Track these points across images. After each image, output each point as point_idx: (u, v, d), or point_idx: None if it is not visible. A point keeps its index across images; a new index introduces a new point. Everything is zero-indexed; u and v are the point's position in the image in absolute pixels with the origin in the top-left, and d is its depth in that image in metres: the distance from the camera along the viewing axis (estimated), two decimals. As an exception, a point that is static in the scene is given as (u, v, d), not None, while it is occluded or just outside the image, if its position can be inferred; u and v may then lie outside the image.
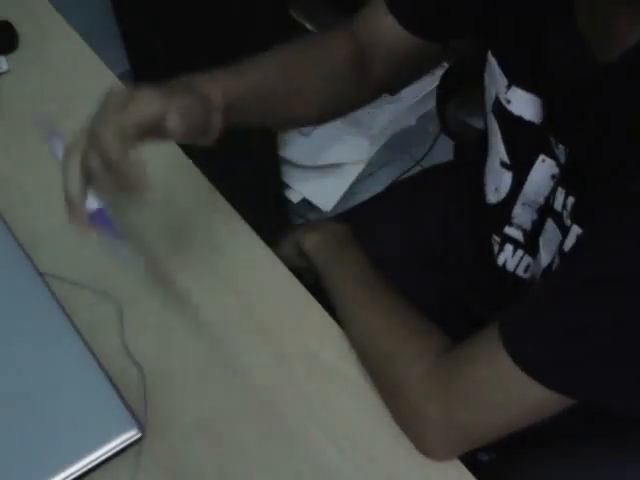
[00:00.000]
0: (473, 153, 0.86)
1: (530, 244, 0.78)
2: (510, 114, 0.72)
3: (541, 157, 0.71)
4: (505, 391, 0.61)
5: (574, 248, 0.64)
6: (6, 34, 0.99)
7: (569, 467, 0.79)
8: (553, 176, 0.70)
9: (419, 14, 0.78)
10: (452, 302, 0.94)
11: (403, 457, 0.67)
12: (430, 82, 1.73)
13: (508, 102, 0.72)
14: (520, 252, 0.80)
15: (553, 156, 0.69)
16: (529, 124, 0.71)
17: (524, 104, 0.70)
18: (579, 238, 0.64)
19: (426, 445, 0.66)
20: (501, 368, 0.60)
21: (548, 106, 0.68)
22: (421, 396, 0.65)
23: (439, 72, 1.60)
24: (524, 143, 0.72)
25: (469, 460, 0.67)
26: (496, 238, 0.82)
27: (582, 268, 0.59)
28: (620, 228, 0.55)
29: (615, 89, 0.60)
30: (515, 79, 0.71)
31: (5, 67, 0.96)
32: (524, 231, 0.78)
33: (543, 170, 0.71)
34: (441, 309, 0.88)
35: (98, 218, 0.66)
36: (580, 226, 0.64)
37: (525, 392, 0.60)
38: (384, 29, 0.80)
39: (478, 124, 0.93)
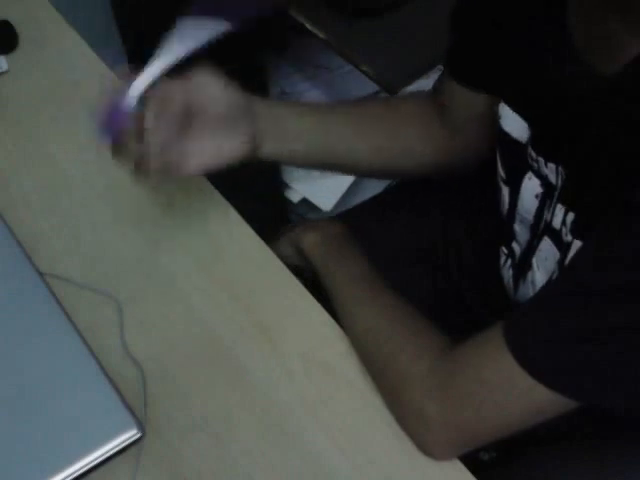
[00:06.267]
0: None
1: (521, 262, 0.78)
2: (501, 128, 0.72)
3: (528, 174, 0.71)
4: (508, 392, 0.61)
5: (576, 255, 0.64)
6: (6, 34, 0.99)
7: (569, 467, 0.79)
8: (537, 195, 0.70)
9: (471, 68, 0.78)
10: (452, 302, 0.94)
11: (403, 457, 0.67)
12: (430, 82, 1.73)
13: (500, 117, 0.72)
14: (513, 269, 0.80)
15: (539, 175, 0.69)
16: (516, 142, 0.71)
17: (512, 122, 0.70)
18: (582, 246, 0.64)
19: (427, 445, 0.66)
20: (504, 369, 0.60)
21: (538, 126, 0.68)
22: (422, 395, 0.65)
23: (439, 72, 1.59)
24: (514, 159, 0.72)
25: (469, 460, 0.67)
26: (504, 250, 0.81)
27: (583, 275, 0.59)
28: (621, 236, 0.55)
29: (617, 102, 0.59)
30: (504, 97, 0.71)
31: (5, 67, 0.96)
32: (520, 248, 0.78)
33: (530, 188, 0.71)
34: (441, 309, 0.88)
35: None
36: (582, 241, 0.64)
37: (528, 393, 0.60)
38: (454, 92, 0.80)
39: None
